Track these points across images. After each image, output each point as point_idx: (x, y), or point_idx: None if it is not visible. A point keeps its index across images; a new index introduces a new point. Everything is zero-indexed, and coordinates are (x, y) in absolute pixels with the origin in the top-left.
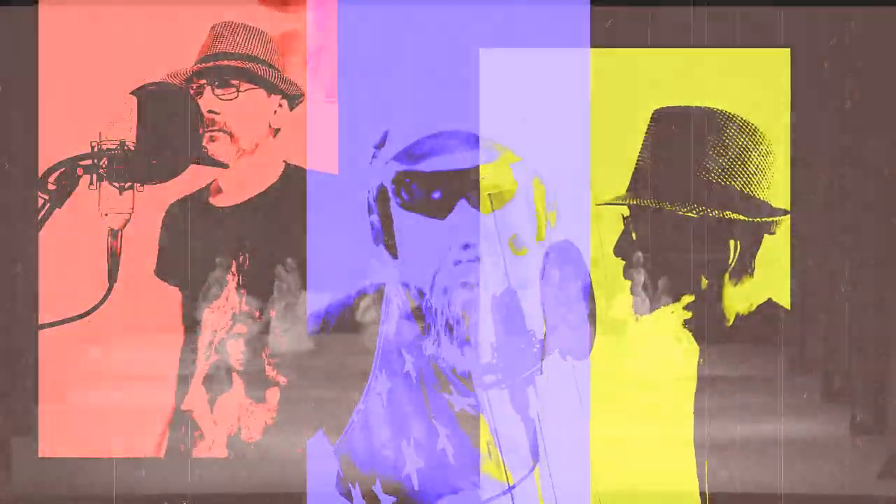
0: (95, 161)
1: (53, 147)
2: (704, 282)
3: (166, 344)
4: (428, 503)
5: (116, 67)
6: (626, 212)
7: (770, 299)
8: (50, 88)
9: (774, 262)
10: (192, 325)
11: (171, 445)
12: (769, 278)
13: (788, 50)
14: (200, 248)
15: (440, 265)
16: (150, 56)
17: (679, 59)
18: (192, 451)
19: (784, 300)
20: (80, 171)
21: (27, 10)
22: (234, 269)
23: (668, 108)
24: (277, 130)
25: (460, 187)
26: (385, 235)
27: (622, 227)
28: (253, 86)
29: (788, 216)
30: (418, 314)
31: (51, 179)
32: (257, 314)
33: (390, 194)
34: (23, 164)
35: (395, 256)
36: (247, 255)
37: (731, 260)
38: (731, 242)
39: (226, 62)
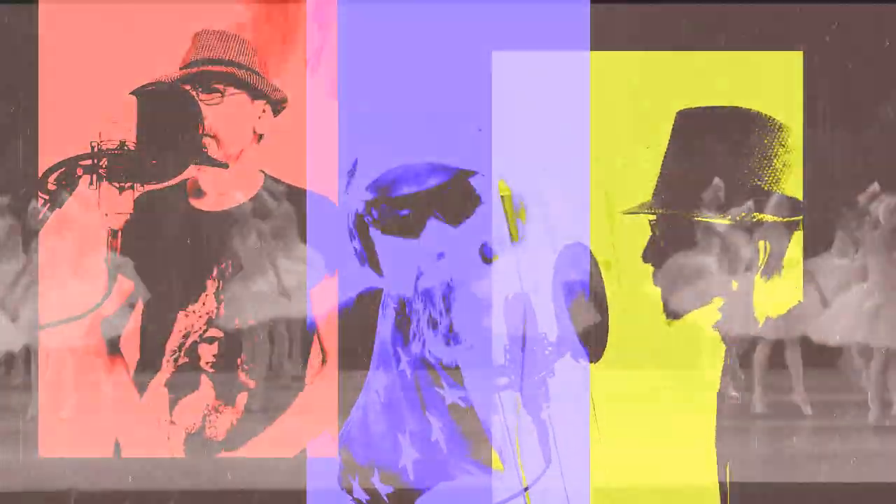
0: (95, 161)
1: (53, 147)
2: (735, 284)
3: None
4: (423, 491)
5: (117, 66)
6: (653, 217)
7: (801, 302)
8: (50, 87)
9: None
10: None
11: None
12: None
13: (801, 53)
14: (179, 249)
15: (419, 273)
16: (151, 54)
17: (693, 62)
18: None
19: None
20: (80, 171)
21: (27, 8)
22: (214, 274)
23: (691, 109)
24: (261, 137)
25: (427, 207)
26: (368, 257)
27: (648, 232)
28: (237, 90)
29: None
30: (406, 321)
31: (51, 179)
32: (236, 320)
33: (366, 220)
34: (22, 163)
35: (380, 274)
36: (230, 262)
37: (760, 262)
38: (761, 244)
39: (209, 67)
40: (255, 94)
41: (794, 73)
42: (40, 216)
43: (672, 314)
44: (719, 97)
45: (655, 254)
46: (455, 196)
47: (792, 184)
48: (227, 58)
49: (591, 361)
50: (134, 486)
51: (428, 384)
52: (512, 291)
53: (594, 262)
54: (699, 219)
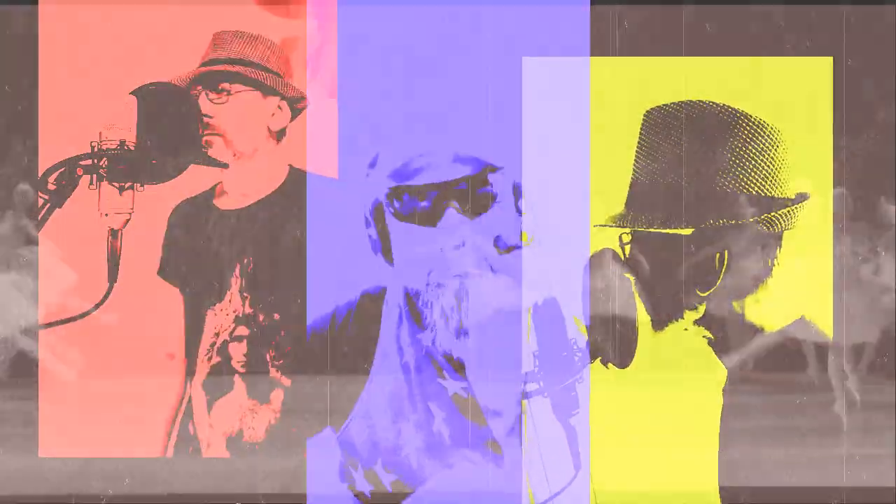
0: (95, 161)
1: (53, 147)
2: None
3: (168, 346)
4: (426, 479)
5: (117, 66)
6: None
7: (803, 317)
8: (50, 88)
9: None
10: (193, 327)
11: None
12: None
13: (831, 59)
14: (206, 250)
15: (433, 265)
16: (151, 55)
17: (722, 67)
18: (195, 452)
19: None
20: (79, 172)
21: (27, 9)
22: (238, 272)
23: (660, 108)
24: (282, 134)
25: (447, 197)
26: (382, 246)
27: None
28: (246, 88)
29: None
30: (416, 312)
31: (51, 179)
32: (261, 317)
33: (385, 207)
34: (22, 163)
35: (391, 263)
36: (252, 258)
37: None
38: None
39: (216, 67)
40: (266, 90)
41: (824, 79)
42: (40, 216)
43: (656, 326)
44: (749, 102)
45: (635, 265)
46: (474, 190)
47: (780, 182)
48: (235, 56)
49: (619, 367)
50: None
51: (431, 376)
52: (541, 297)
53: (623, 268)
54: (663, 231)
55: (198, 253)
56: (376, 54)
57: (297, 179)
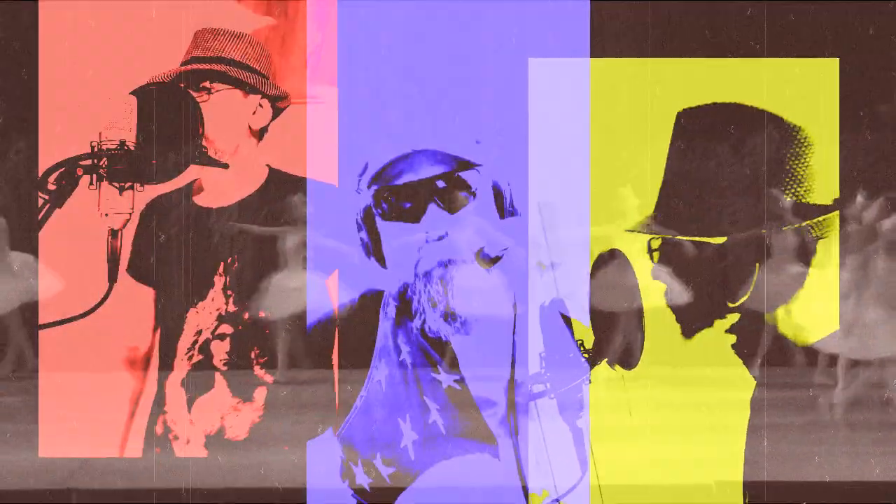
0: (95, 161)
1: (53, 147)
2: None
3: (140, 344)
4: (423, 470)
5: (117, 66)
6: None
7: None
8: (50, 87)
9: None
10: (170, 325)
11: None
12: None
13: (837, 60)
14: (185, 249)
15: (419, 256)
16: (149, 55)
17: (729, 69)
18: (173, 451)
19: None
20: (79, 172)
21: (27, 6)
22: (221, 270)
23: (694, 108)
24: (262, 133)
25: (428, 194)
26: (374, 248)
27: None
28: (225, 86)
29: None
30: (408, 308)
31: (51, 180)
32: (245, 315)
33: (374, 210)
34: (23, 164)
35: (384, 266)
36: (235, 256)
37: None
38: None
39: (196, 66)
40: (249, 89)
41: (829, 81)
42: (40, 216)
43: (686, 333)
44: (761, 104)
45: (661, 272)
46: (452, 186)
47: (812, 188)
48: (215, 55)
49: (626, 369)
50: None
51: (426, 371)
52: (548, 298)
53: (631, 269)
54: (692, 239)
55: (175, 250)
56: (377, 54)
57: (276, 179)
